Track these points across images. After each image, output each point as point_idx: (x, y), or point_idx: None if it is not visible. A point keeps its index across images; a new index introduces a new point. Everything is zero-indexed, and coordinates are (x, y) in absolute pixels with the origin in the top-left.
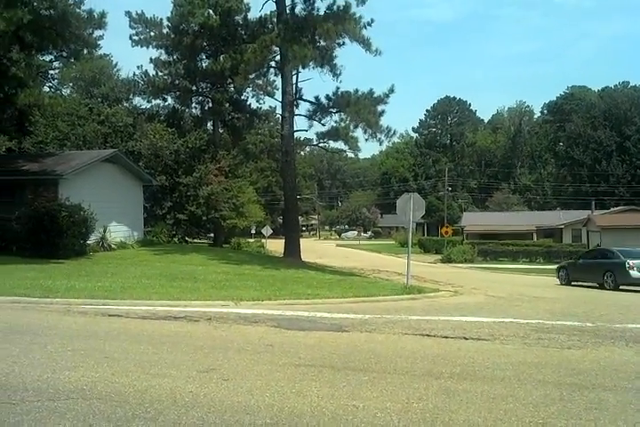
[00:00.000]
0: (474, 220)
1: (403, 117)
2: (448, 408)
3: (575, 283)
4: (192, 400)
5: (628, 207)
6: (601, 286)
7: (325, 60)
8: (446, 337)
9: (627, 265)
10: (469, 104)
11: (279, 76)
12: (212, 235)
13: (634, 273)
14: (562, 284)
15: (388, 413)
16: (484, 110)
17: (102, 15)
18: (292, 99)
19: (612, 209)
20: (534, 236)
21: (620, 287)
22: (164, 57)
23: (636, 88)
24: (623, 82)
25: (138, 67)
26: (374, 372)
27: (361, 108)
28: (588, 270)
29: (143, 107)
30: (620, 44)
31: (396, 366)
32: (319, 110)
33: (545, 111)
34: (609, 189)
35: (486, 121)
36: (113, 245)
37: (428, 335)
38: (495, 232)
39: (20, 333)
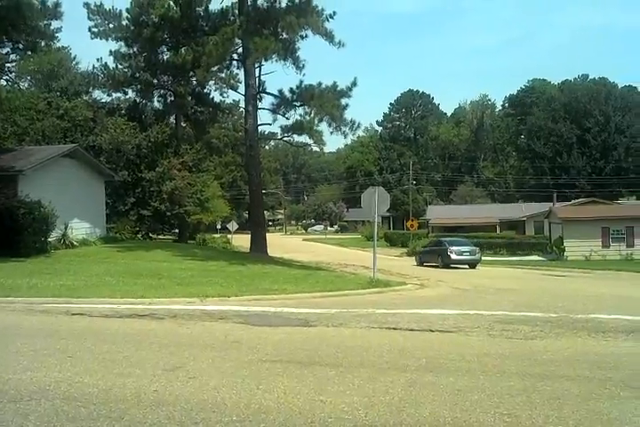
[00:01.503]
0: (438, 213)
1: (367, 111)
2: (414, 401)
3: (426, 264)
4: (157, 399)
5: (588, 199)
6: (444, 267)
7: (288, 52)
8: (412, 330)
9: (449, 251)
10: (432, 98)
11: (242, 69)
12: (176, 231)
13: (453, 256)
14: (417, 265)
15: (354, 407)
16: (447, 104)
17: (56, 5)
18: (255, 92)
19: (573, 201)
20: (497, 228)
21: (451, 266)
22: (123, 49)
23: (595, 81)
24: (582, 75)
25: (97, 59)
26: (341, 366)
27: (325, 102)
28: (430, 255)
29: (103, 100)
30: (579, 37)
31: (362, 360)
32: (283, 104)
33: (506, 104)
34: (570, 182)
35: (449, 114)
36: (75, 243)
37: (394, 329)
38: (459, 225)
39: None
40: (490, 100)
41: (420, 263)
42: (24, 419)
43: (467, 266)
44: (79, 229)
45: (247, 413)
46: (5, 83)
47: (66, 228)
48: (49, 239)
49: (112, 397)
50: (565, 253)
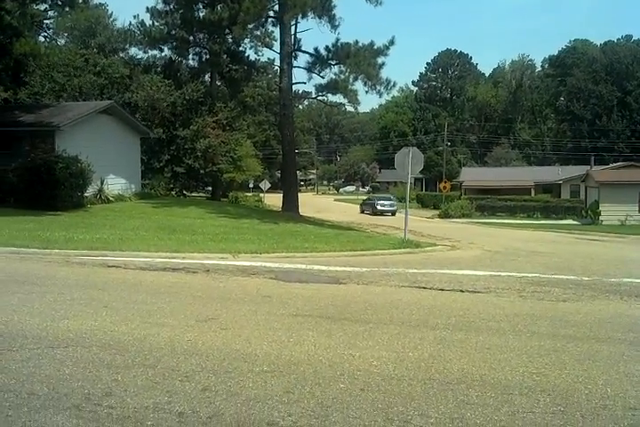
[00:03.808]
0: (472, 175)
1: (403, 71)
2: (443, 357)
3: (365, 212)
4: (190, 348)
5: (627, 163)
6: (373, 214)
7: (324, 9)
8: (442, 290)
9: (376, 204)
10: (470, 57)
11: (277, 27)
12: (209, 188)
13: (378, 207)
14: (360, 213)
15: (383, 361)
16: (486, 64)
17: None
18: (290, 50)
19: (611, 165)
20: (532, 191)
21: (377, 214)
22: (160, 6)
23: (638, 42)
24: (626, 36)
25: (134, 16)
26: (370, 322)
27: (361, 60)
28: (367, 206)
29: (139, 57)
30: None
31: (391, 317)
32: (318, 62)
33: (546, 65)
34: (608, 145)
35: (487, 75)
36: (110, 198)
37: (424, 288)
38: (493, 187)
39: (18, 283)
40: (530, 60)
41: (362, 211)
42: (61, 364)
43: (390, 214)
44: (115, 184)
45: (278, 364)
46: (44, 39)
47: (102, 183)
48: (85, 194)
49: (147, 345)
50: (600, 218)
